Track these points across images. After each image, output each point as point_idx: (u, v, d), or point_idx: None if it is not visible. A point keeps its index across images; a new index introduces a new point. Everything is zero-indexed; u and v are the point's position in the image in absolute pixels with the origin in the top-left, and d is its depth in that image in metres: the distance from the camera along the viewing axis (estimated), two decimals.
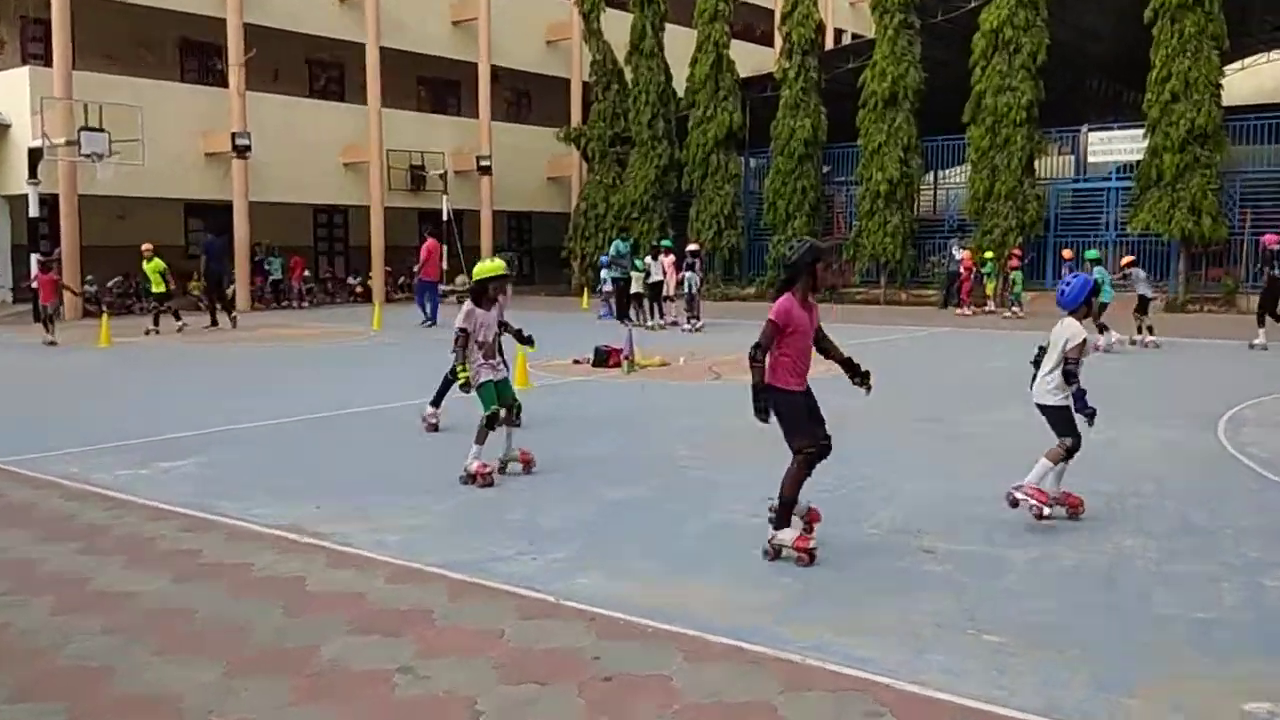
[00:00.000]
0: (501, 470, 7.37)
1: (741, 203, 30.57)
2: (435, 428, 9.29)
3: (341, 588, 5.14)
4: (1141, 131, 23.64)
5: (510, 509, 6.61)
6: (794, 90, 28.00)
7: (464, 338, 7.25)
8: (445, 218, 29.34)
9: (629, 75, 31.59)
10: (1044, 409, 6.31)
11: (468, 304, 7.37)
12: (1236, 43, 25.12)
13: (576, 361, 14.36)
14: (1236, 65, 33.00)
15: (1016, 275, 22.65)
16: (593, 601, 4.88)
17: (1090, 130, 26.28)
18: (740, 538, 5.95)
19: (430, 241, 21.73)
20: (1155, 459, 8.07)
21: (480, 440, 7.19)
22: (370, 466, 7.94)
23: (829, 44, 36.84)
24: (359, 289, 30.33)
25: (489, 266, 7.43)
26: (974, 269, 23.76)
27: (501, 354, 7.68)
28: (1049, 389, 6.25)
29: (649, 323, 20.19)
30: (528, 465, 7.48)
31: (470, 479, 7.12)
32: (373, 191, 29.42)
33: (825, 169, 30.38)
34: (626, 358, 13.63)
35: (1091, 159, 26.24)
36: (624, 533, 6.10)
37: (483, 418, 7.20)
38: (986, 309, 23.41)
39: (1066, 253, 22.97)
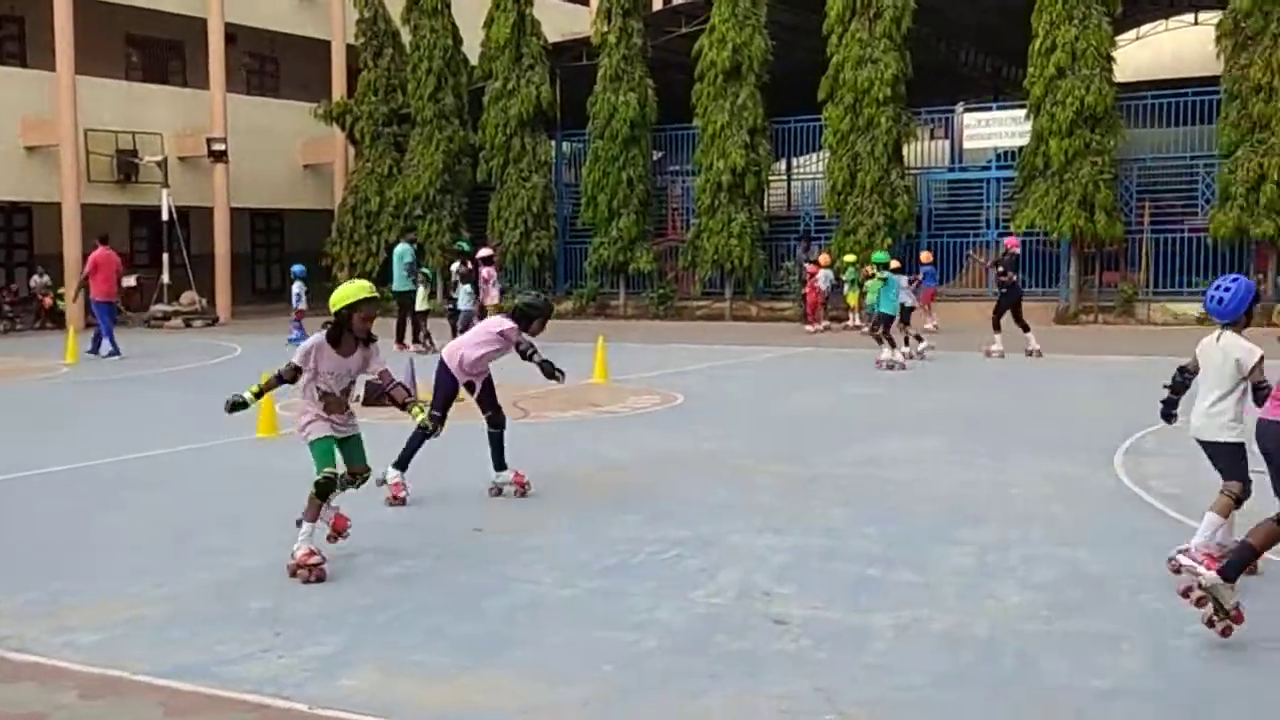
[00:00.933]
0: (334, 538, 6.98)
1: (554, 196, 30.77)
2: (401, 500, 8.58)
3: (12, 709, 4.83)
4: (1024, 112, 25.16)
5: (252, 592, 6.38)
6: (615, 59, 28.47)
7: (291, 377, 6.68)
8: (165, 217, 28.29)
9: (407, 38, 31.43)
10: (1212, 446, 6.40)
11: (314, 338, 6.79)
12: (1130, 8, 27.12)
13: None
14: (1131, 35, 35.64)
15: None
16: (359, 708, 4.75)
17: (966, 110, 27.79)
18: (550, 615, 5.94)
19: (99, 251, 21.22)
20: (1046, 498, 8.54)
21: (311, 516, 6.67)
22: (62, 542, 7.54)
23: (657, 3, 37.70)
24: (46, 306, 28.90)
25: (352, 289, 6.77)
26: (817, 275, 24.56)
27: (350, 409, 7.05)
28: (1224, 422, 6.29)
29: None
30: (339, 534, 7.00)
31: (296, 570, 6.55)
32: (65, 183, 28.11)
33: (657, 155, 30.98)
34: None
35: (968, 144, 27.74)
36: (402, 616, 5.99)
37: (313, 484, 6.64)
38: (848, 324, 24.34)
39: (925, 255, 24.19)
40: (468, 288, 20.42)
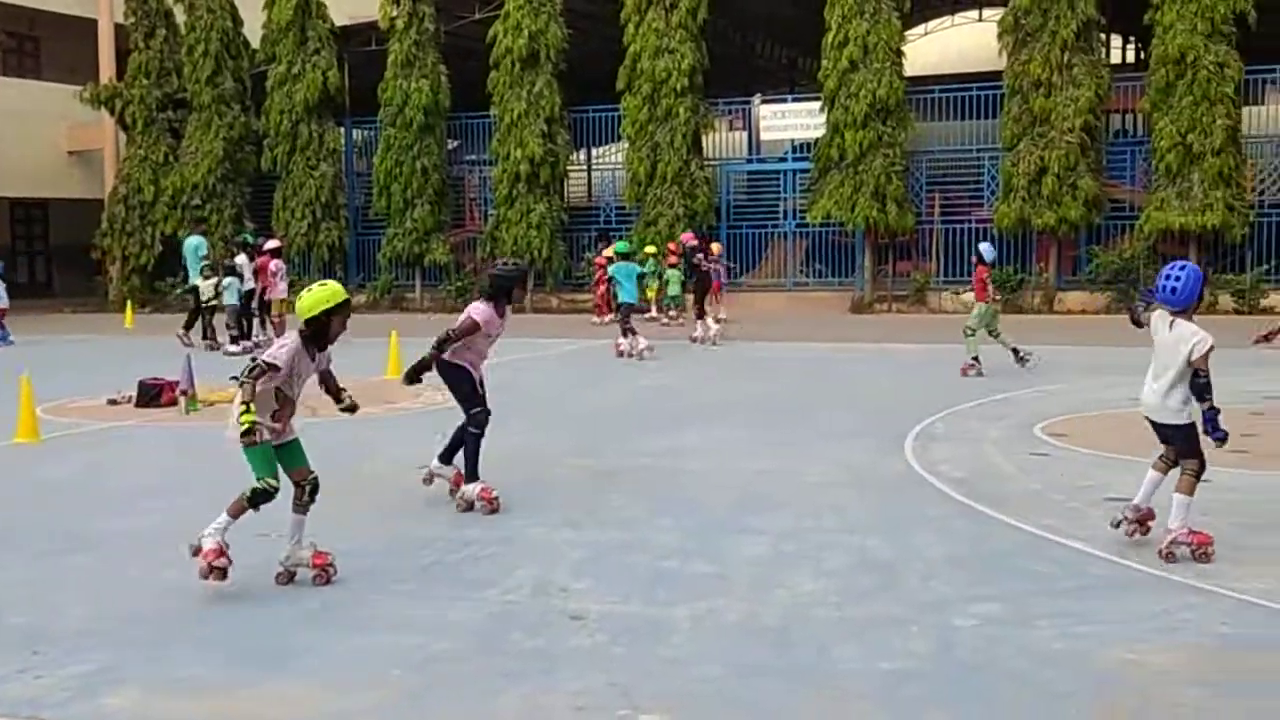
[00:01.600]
0: (286, 578, 6.44)
1: (345, 186, 30.16)
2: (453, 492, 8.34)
3: None
4: (819, 104, 25.89)
5: (9, 607, 6.06)
6: (406, 44, 28.06)
7: (265, 375, 6.20)
8: None
9: (181, 17, 30.29)
10: (1167, 428, 6.75)
11: (295, 341, 6.40)
12: (918, 4, 28.16)
13: (113, 401, 13.54)
14: (919, 31, 37.05)
15: (672, 275, 24.02)
16: None
17: (763, 102, 28.43)
18: (337, 621, 5.81)
19: None
20: (838, 485, 8.79)
21: (235, 513, 6.27)
22: None
23: None
24: None
25: (328, 293, 6.40)
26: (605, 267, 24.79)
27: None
28: (1176, 406, 6.65)
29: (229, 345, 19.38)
30: (323, 572, 6.43)
31: (196, 553, 6.16)
32: None
33: (452, 144, 30.68)
34: (184, 393, 13.01)
35: (765, 135, 28.40)
36: (177, 627, 5.76)
37: (249, 490, 6.21)
38: (648, 315, 24.61)
39: (715, 247, 24.74)
40: (234, 280, 19.84)
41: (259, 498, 6.22)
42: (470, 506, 8.05)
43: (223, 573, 6.15)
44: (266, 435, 6.27)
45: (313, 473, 6.50)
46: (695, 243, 20.94)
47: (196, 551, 6.16)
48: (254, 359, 6.38)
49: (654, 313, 24.38)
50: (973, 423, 11.39)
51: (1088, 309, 24.26)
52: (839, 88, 24.98)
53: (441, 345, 8.05)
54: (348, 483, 9.02)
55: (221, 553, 6.15)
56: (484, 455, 8.24)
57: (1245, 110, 24.02)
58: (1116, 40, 35.53)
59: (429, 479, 8.56)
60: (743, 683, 4.99)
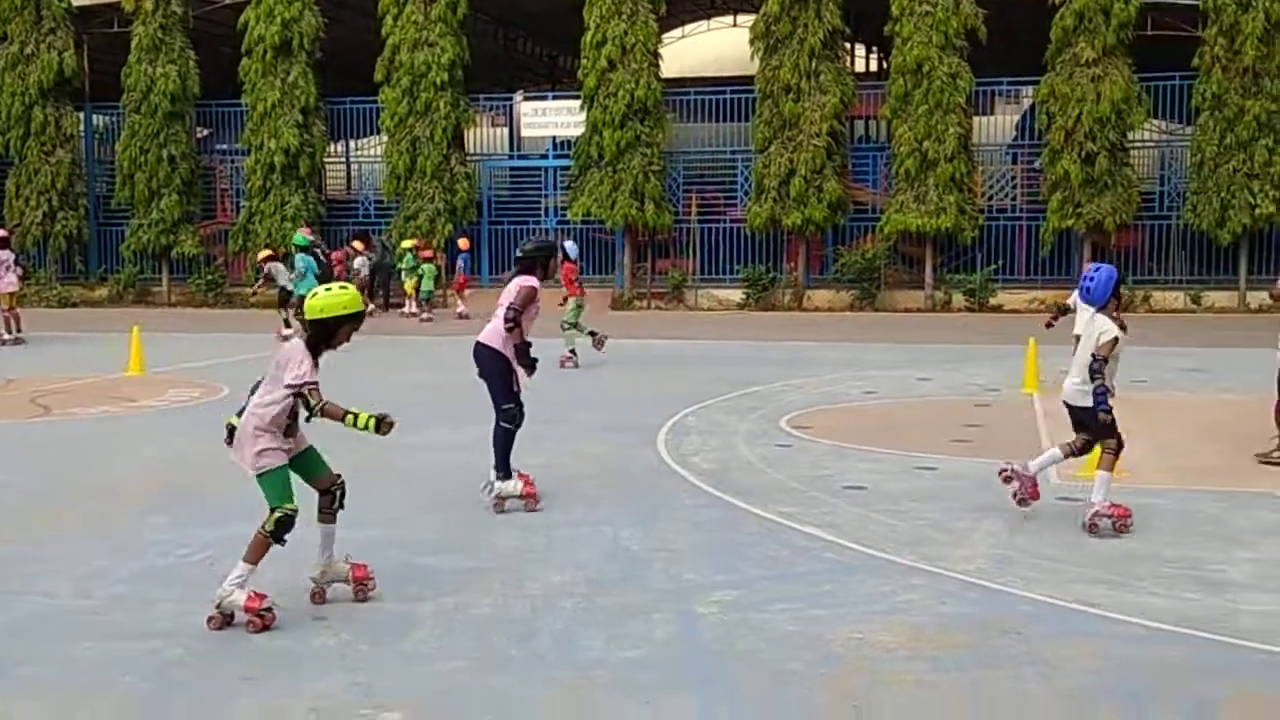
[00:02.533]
0: (320, 597, 5.93)
1: (84, 174, 28.63)
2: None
3: None
4: (579, 103, 26.09)
5: None
6: (151, 28, 26.82)
7: (309, 395, 5.72)
8: None
9: None
10: (1083, 410, 7.23)
11: (303, 350, 5.80)
12: (675, 7, 28.73)
13: None
14: (677, 33, 37.78)
15: (427, 269, 23.88)
16: None
17: (525, 99, 28.46)
18: (62, 629, 5.54)
19: None
20: (591, 479, 8.90)
21: (255, 558, 5.60)
22: None
23: None
24: None
25: (344, 298, 5.87)
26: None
27: None
28: (1082, 389, 7.18)
29: None
30: (363, 587, 5.99)
31: (224, 620, 5.53)
32: None
33: (203, 133, 29.54)
34: None
35: (526, 132, 28.44)
36: None
37: (269, 522, 5.59)
38: (405, 311, 24.38)
39: (463, 242, 24.76)
40: None
41: (282, 528, 5.60)
42: (503, 505, 7.84)
43: (271, 614, 5.55)
44: (278, 460, 5.75)
45: (339, 476, 6.04)
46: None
47: (224, 620, 5.54)
48: (299, 387, 5.71)
49: (412, 308, 24.12)
50: (723, 416, 11.71)
51: (834, 306, 25.26)
52: (598, 87, 25.23)
53: (515, 322, 7.86)
54: (72, 485, 8.61)
55: (261, 596, 5.57)
56: (224, 453, 7.95)
57: (976, 120, 25.47)
58: (861, 50, 37.08)
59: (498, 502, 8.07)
60: (486, 676, 5.00)
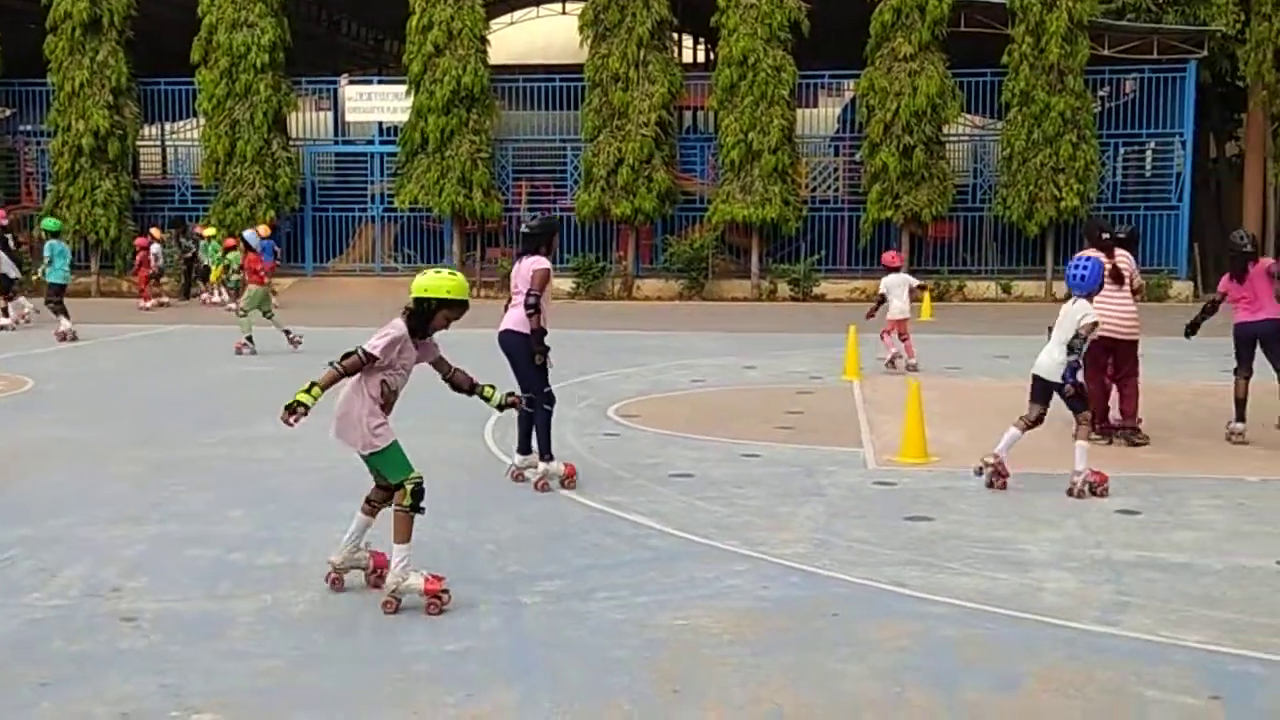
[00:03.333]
0: (339, 584, 5.94)
1: None
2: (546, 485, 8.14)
3: None
4: (405, 88, 25.68)
5: None
6: None
7: (352, 369, 5.79)
8: None
9: None
10: (1047, 383, 7.96)
11: (398, 328, 5.87)
12: None
13: None
14: (506, 19, 37.51)
15: (233, 258, 23.24)
16: None
17: (349, 83, 27.87)
18: None
19: None
20: (419, 469, 8.75)
21: (406, 536, 5.66)
22: None
23: None
24: None
25: (450, 283, 6.05)
26: (151, 248, 23.84)
27: None
28: (1059, 364, 7.87)
29: None
30: (379, 575, 5.87)
31: (397, 605, 5.60)
32: None
33: (6, 113, 28.15)
34: None
35: (351, 117, 27.89)
36: None
37: (405, 496, 5.70)
38: (212, 300, 23.76)
39: (263, 230, 24.18)
40: None
41: (418, 497, 5.74)
42: (547, 486, 8.10)
43: (449, 596, 5.64)
44: (391, 435, 5.88)
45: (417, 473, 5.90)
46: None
47: (397, 605, 5.61)
48: (368, 354, 5.79)
49: (216, 297, 23.50)
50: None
51: (663, 295, 25.49)
52: (424, 72, 24.89)
53: (536, 308, 7.95)
54: None
55: (439, 579, 5.65)
56: (28, 447, 7.65)
57: (800, 112, 25.99)
58: (689, 41, 37.43)
59: (517, 476, 8.38)
60: (303, 673, 4.90)
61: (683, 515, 7.43)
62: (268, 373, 14.24)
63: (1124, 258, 9.62)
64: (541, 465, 8.19)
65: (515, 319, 8.12)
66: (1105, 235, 9.55)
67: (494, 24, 30.47)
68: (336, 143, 29.39)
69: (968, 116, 26.62)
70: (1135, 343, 9.54)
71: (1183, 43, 24.40)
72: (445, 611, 5.58)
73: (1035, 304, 23.66)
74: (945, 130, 25.18)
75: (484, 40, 25.55)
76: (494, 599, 5.86)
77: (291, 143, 26.92)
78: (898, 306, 13.72)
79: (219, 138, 25.55)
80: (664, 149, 24.96)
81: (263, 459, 9.16)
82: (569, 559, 6.56)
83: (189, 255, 25.47)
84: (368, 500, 6.01)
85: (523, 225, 8.65)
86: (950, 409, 11.17)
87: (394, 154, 26.58)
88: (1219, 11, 24.31)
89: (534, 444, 8.30)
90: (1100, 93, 26.21)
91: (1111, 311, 9.21)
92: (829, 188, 27.41)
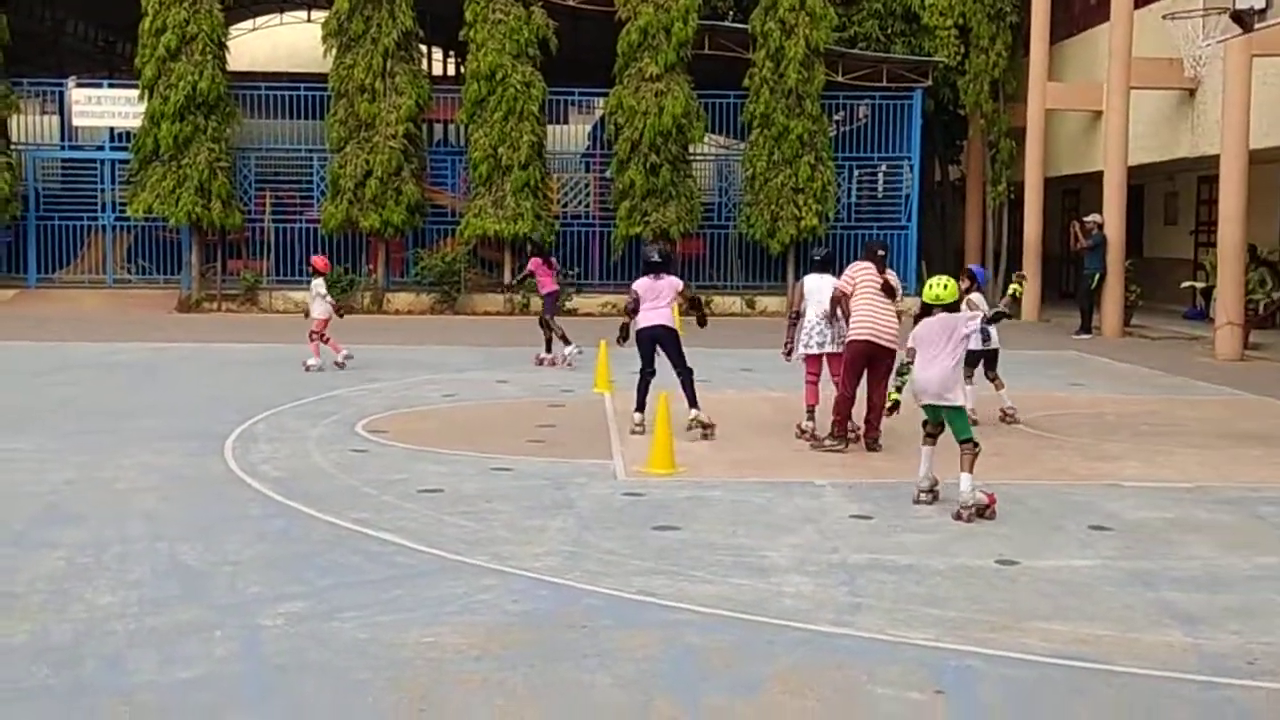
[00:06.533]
0: (931, 495, 8.19)
1: None
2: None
3: None
4: (137, 92, 24.51)
5: None
6: None
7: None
8: None
9: None
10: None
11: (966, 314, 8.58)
12: None
13: None
14: (248, 25, 36.29)
15: None
16: None
17: (77, 86, 26.37)
18: None
19: None
20: (151, 490, 8.37)
21: (973, 466, 7.84)
22: None
23: None
24: None
25: (934, 291, 8.21)
26: None
27: None
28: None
29: None
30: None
31: (972, 513, 7.75)
32: None
33: None
34: None
35: (79, 122, 26.37)
36: None
37: (972, 447, 7.85)
38: None
39: None
40: None
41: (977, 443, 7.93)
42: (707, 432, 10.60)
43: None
44: None
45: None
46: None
47: (972, 513, 7.74)
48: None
49: None
50: (297, 422, 11.36)
51: (414, 309, 25.12)
52: (158, 76, 23.79)
53: (631, 313, 11.13)
54: None
55: (994, 497, 7.93)
56: None
57: (551, 128, 26.11)
58: (438, 53, 37.13)
59: (698, 425, 10.68)
60: (18, 707, 4.59)
61: (431, 531, 7.34)
62: None
63: (893, 275, 10.39)
64: (692, 412, 10.73)
65: (663, 316, 10.97)
66: (881, 253, 10.52)
67: (235, 29, 29.47)
68: (63, 148, 27.75)
69: (712, 137, 27.32)
70: (893, 352, 9.92)
71: (909, 72, 25.74)
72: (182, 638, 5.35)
73: (778, 318, 24.43)
74: (691, 150, 25.77)
75: (222, 45, 24.57)
76: (230, 622, 5.64)
77: (13, 147, 25.27)
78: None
79: None
80: (413, 161, 24.63)
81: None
82: (311, 579, 6.37)
83: None
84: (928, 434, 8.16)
85: (653, 255, 11.56)
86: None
87: (126, 161, 25.29)
88: (941, 44, 25.76)
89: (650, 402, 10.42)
90: (835, 117, 27.35)
91: (881, 322, 9.98)
92: (580, 204, 27.64)
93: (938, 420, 8.07)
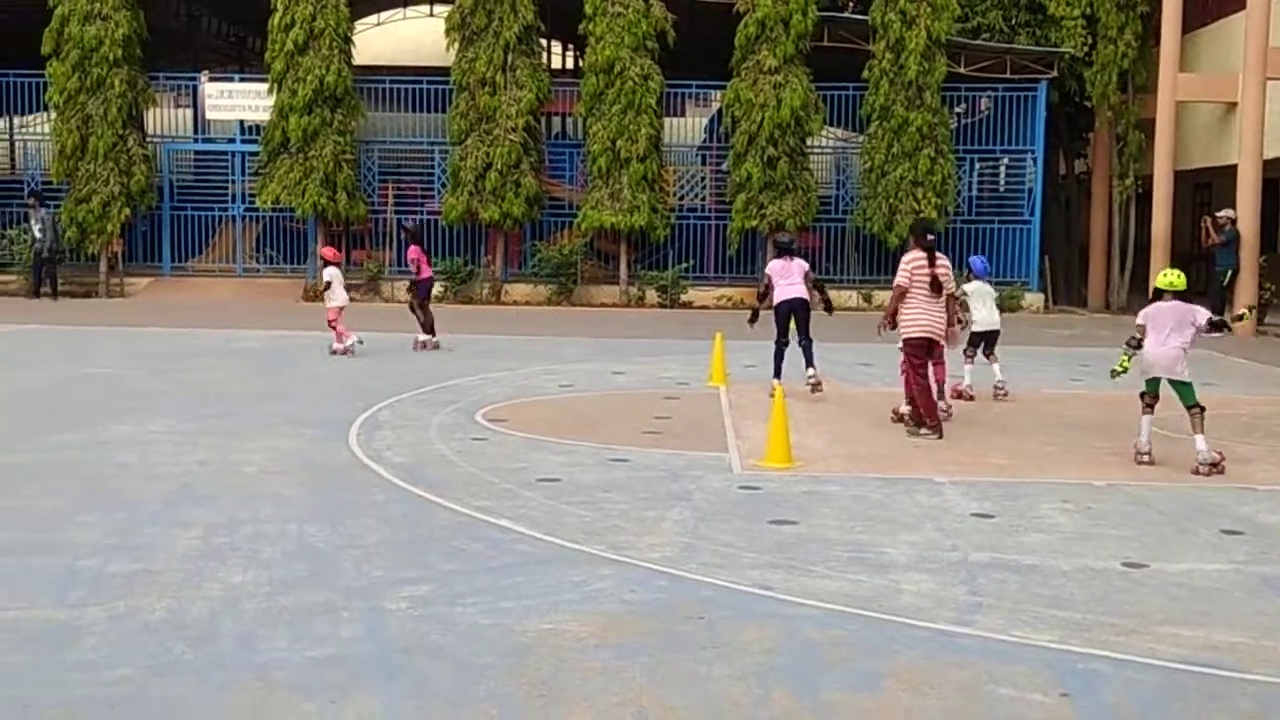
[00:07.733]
0: (1149, 458, 9.28)
1: None
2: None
3: None
4: (266, 86, 25.14)
5: None
6: None
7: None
8: None
9: None
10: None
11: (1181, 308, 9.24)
12: None
13: None
14: (372, 20, 36.96)
15: None
16: None
17: (210, 80, 27.14)
18: None
19: None
20: (277, 475, 8.58)
21: (1202, 427, 9.07)
22: None
23: None
24: None
25: (1169, 279, 9.29)
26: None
27: None
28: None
29: None
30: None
31: (1212, 468, 8.96)
32: None
33: None
34: None
35: (212, 115, 27.14)
36: None
37: (1201, 412, 9.11)
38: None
39: None
40: None
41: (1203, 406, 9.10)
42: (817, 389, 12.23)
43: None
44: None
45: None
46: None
47: (1207, 469, 8.94)
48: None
49: None
50: (418, 409, 11.55)
51: (532, 300, 25.36)
52: (286, 70, 24.37)
53: (762, 297, 12.78)
54: None
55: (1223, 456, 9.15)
56: None
57: (667, 121, 26.13)
58: (557, 46, 37.37)
59: (814, 383, 12.33)
60: (157, 682, 4.75)
61: (550, 520, 7.41)
62: (117, 374, 13.79)
63: (944, 267, 10.74)
64: (809, 370, 12.42)
65: (800, 290, 12.34)
66: (931, 237, 10.87)
67: (359, 24, 29.99)
68: (196, 140, 28.59)
69: (830, 129, 27.07)
70: (939, 343, 10.81)
71: (1034, 63, 25.20)
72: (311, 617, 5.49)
73: None
74: (809, 142, 25.57)
75: (348, 40, 25.08)
76: (357, 605, 5.77)
77: (149, 139, 26.11)
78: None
79: (70, 132, 24.62)
80: (532, 154, 24.85)
81: (116, 463, 8.86)
82: (434, 564, 6.48)
83: (39, 246, 24.26)
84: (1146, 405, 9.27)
85: (784, 238, 13.29)
86: (814, 416, 11.37)
87: (256, 153, 25.97)
88: (1068, 34, 25.16)
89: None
90: (957, 109, 26.90)
91: (934, 318, 10.66)
92: (696, 196, 27.62)
93: (1155, 392, 9.28)
